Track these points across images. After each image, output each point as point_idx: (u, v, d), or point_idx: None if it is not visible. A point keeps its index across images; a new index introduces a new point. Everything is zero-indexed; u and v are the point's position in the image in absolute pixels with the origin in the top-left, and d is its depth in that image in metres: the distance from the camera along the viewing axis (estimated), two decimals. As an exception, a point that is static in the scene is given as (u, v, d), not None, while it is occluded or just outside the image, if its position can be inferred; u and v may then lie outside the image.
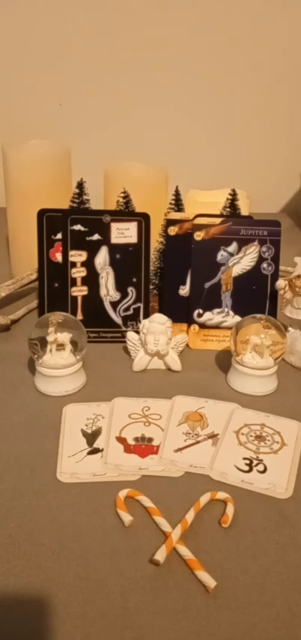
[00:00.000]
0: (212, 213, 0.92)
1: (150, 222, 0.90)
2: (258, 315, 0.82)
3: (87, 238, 0.90)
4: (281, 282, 0.87)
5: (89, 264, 0.91)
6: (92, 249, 0.91)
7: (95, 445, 0.68)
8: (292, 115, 1.55)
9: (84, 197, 0.93)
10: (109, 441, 0.69)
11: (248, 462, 0.66)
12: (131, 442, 0.69)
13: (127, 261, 0.91)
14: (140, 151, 1.24)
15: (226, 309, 0.91)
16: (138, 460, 0.66)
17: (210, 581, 0.51)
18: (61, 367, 0.77)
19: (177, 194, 0.97)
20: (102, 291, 0.91)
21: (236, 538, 0.56)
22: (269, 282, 0.91)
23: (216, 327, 0.91)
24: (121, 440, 0.69)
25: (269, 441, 0.69)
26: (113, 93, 1.49)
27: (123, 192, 0.93)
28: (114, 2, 1.43)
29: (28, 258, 1.01)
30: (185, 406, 0.76)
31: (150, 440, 0.69)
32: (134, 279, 0.91)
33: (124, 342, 0.86)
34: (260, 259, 0.91)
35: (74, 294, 0.91)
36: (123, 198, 0.93)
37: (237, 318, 0.88)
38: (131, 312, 0.92)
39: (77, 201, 0.93)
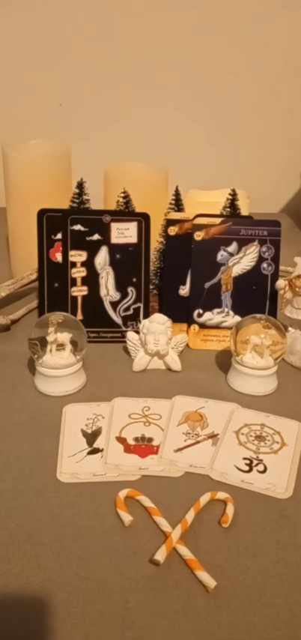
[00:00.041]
0: (212, 213, 0.92)
1: (150, 222, 0.90)
2: (258, 315, 0.82)
3: (87, 238, 0.90)
4: (281, 282, 0.87)
5: (89, 264, 0.91)
6: (92, 249, 0.91)
7: (95, 445, 0.68)
8: (292, 115, 1.55)
9: (84, 197, 0.93)
10: (109, 441, 0.69)
11: (248, 462, 0.66)
12: (131, 442, 0.69)
13: (127, 261, 0.91)
14: (140, 151, 1.24)
15: (226, 309, 0.91)
16: (138, 460, 0.66)
17: (210, 581, 0.51)
18: (61, 367, 0.77)
19: (177, 194, 0.97)
20: (102, 291, 0.91)
21: (236, 538, 0.56)
22: (269, 282, 0.91)
23: (216, 327, 0.91)
24: (121, 440, 0.69)
25: (269, 441, 0.69)
26: (113, 93, 1.49)
27: (123, 192, 0.93)
28: (114, 2, 1.43)
29: (28, 258, 1.01)
30: (185, 406, 0.76)
31: (150, 440, 0.69)
32: (134, 279, 0.91)
33: (124, 342, 0.86)
34: (260, 259, 0.91)
35: (74, 294, 0.91)
36: (123, 198, 0.93)
37: (237, 318, 0.88)
38: (131, 312, 0.92)
39: (77, 201, 0.93)
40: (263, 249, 0.90)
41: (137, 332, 0.85)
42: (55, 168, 1.04)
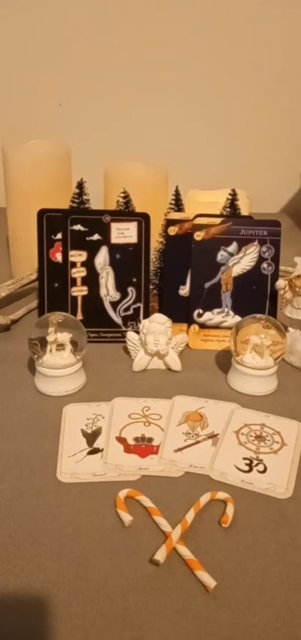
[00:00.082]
0: (212, 213, 0.92)
1: (150, 222, 0.90)
2: (258, 315, 0.82)
3: (87, 238, 0.90)
4: (281, 282, 0.87)
5: (89, 264, 0.91)
6: (92, 249, 0.91)
7: (95, 445, 0.68)
8: (292, 115, 1.55)
9: (84, 197, 0.93)
10: (109, 441, 0.69)
11: (248, 462, 0.66)
12: (131, 442, 0.69)
13: (127, 261, 0.91)
14: (140, 151, 1.24)
15: (226, 309, 0.91)
16: (138, 460, 0.66)
17: (210, 581, 0.51)
18: (61, 367, 0.77)
19: (177, 194, 0.97)
20: (102, 291, 0.91)
21: (236, 538, 0.56)
22: (269, 282, 0.91)
23: (216, 327, 0.91)
24: (121, 440, 0.69)
25: (269, 441, 0.69)
26: (113, 93, 1.49)
27: (123, 192, 0.93)
28: (114, 2, 1.43)
29: (28, 258, 1.01)
30: (185, 406, 0.76)
31: (150, 440, 0.69)
32: (134, 279, 0.91)
33: (124, 342, 0.86)
34: (260, 259, 0.91)
35: (74, 294, 0.91)
36: (123, 198, 0.93)
37: (237, 318, 0.88)
38: (131, 312, 0.92)
39: (77, 201, 0.93)
40: (263, 249, 0.90)
41: (137, 332, 0.85)
42: (55, 168, 1.04)
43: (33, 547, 0.54)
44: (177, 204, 0.97)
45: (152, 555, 0.53)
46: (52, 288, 0.91)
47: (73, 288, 0.91)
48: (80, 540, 0.55)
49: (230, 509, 0.58)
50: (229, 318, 0.91)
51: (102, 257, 0.91)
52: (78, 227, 0.90)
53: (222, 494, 0.60)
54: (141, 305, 0.91)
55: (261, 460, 0.66)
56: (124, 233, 0.90)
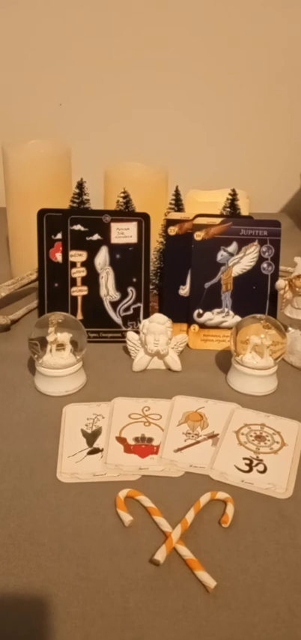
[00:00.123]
0: (212, 213, 0.92)
1: (150, 222, 0.90)
2: (258, 315, 0.82)
3: (87, 238, 0.90)
4: (281, 282, 0.87)
5: (89, 264, 0.91)
6: (92, 249, 0.91)
7: (95, 445, 0.68)
8: (292, 115, 1.55)
9: (84, 197, 0.93)
10: (109, 441, 0.69)
11: (248, 462, 0.66)
12: (131, 442, 0.69)
13: (127, 261, 0.91)
14: (140, 151, 1.24)
15: (226, 309, 0.91)
16: (138, 460, 0.66)
17: (210, 581, 0.51)
18: (61, 367, 0.77)
19: (177, 194, 0.97)
20: (102, 291, 0.91)
21: (236, 538, 0.56)
22: (269, 282, 0.91)
23: (216, 327, 0.91)
24: (121, 440, 0.69)
25: (269, 441, 0.69)
26: (113, 93, 1.49)
27: (123, 192, 0.93)
28: (114, 2, 1.43)
29: (28, 258, 1.01)
30: (185, 406, 0.76)
31: (150, 440, 0.69)
32: (134, 279, 0.91)
33: (124, 342, 0.86)
34: (260, 259, 0.91)
35: (74, 294, 0.91)
36: (123, 198, 0.93)
37: (237, 318, 0.88)
38: (131, 312, 0.92)
39: (77, 201, 0.93)
40: (263, 249, 0.90)
41: (137, 332, 0.85)
42: (55, 168, 1.04)
43: (33, 547, 0.54)
44: (177, 204, 0.97)
45: (152, 555, 0.53)
46: (52, 288, 0.91)
47: (73, 288, 0.91)
48: (80, 540, 0.55)
49: (230, 509, 0.58)
50: (229, 318, 0.91)
51: (102, 257, 0.91)
52: (78, 227, 0.90)
53: (221, 494, 0.60)
54: (141, 305, 0.91)
55: (261, 460, 0.66)
56: (124, 233, 0.90)
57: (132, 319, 0.91)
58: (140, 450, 0.68)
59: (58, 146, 1.06)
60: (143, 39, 1.46)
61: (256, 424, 0.73)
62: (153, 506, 0.59)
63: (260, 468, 0.65)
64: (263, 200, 1.44)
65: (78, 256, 0.91)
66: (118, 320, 0.91)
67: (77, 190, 0.93)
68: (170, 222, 0.92)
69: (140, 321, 0.88)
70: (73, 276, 0.91)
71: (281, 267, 0.93)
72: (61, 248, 0.90)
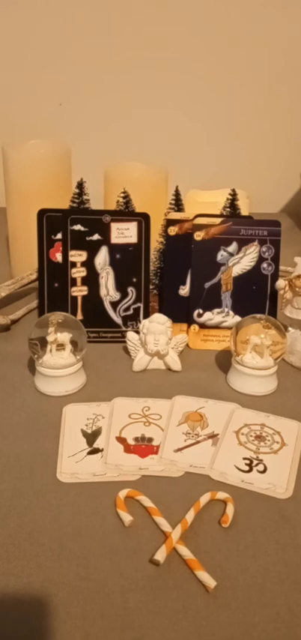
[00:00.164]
0: (212, 213, 0.92)
1: (150, 222, 0.90)
2: (258, 315, 0.82)
3: (87, 238, 0.90)
4: (281, 282, 0.87)
5: (89, 264, 0.91)
6: (92, 249, 0.91)
7: (95, 445, 0.68)
8: (292, 115, 1.55)
9: (84, 197, 0.93)
10: (109, 441, 0.69)
11: (248, 462, 0.66)
12: (131, 442, 0.69)
13: (127, 261, 0.91)
14: (140, 151, 1.24)
15: (226, 309, 0.91)
16: (138, 460, 0.66)
17: (210, 581, 0.51)
18: (61, 367, 0.77)
19: (177, 194, 0.97)
20: (102, 291, 0.91)
21: (236, 538, 0.56)
22: (269, 282, 0.91)
23: (216, 327, 0.91)
24: (121, 440, 0.69)
25: (269, 441, 0.69)
26: (113, 93, 1.49)
27: (123, 192, 0.93)
28: (114, 2, 1.43)
29: (28, 258, 1.01)
30: (185, 406, 0.76)
31: (150, 440, 0.69)
32: (134, 279, 0.91)
33: (124, 342, 0.86)
34: (260, 259, 0.91)
35: (74, 294, 0.91)
36: (123, 198, 0.93)
37: (237, 318, 0.88)
38: (131, 312, 0.92)
39: (77, 201, 0.93)
40: (263, 249, 0.90)
41: (137, 332, 0.85)
42: (55, 168, 1.04)
43: (33, 547, 0.54)
44: (177, 204, 0.97)
45: (152, 555, 0.53)
46: (52, 288, 0.91)
47: (73, 288, 0.91)
48: (80, 540, 0.55)
49: (230, 509, 0.58)
50: (229, 318, 0.91)
51: (102, 257, 0.91)
52: (78, 227, 0.90)
53: (221, 494, 0.60)
54: (141, 305, 0.91)
55: (261, 460, 0.66)
56: (124, 233, 0.90)
57: (132, 319, 0.91)
58: (140, 450, 0.68)
59: (58, 146, 1.06)
60: (143, 39, 1.46)
61: (256, 424, 0.73)
62: (153, 506, 0.59)
63: (260, 468, 0.65)
64: (263, 200, 1.44)
65: (78, 256, 0.91)
66: (118, 320, 0.91)
67: (77, 190, 0.93)
68: (170, 222, 0.92)
69: (140, 321, 0.88)
70: (73, 276, 0.91)
71: (281, 267, 0.93)
72: (61, 248, 0.90)
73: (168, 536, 0.55)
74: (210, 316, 0.91)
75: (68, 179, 1.06)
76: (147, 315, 0.89)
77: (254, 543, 0.56)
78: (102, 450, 0.67)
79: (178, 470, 0.64)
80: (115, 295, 0.91)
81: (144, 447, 0.68)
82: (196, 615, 0.49)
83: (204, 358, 0.88)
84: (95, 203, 0.95)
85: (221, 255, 0.91)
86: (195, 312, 0.91)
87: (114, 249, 0.91)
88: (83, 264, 0.91)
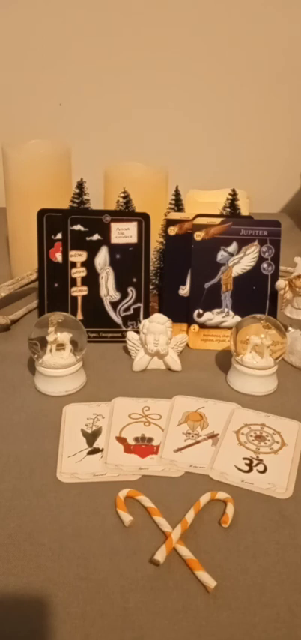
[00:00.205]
0: (212, 213, 0.92)
1: (150, 222, 0.90)
2: (258, 315, 0.82)
3: (87, 238, 0.90)
4: (281, 282, 0.87)
5: (89, 264, 0.91)
6: (92, 249, 0.91)
7: (95, 445, 0.68)
8: (292, 115, 1.55)
9: (84, 197, 0.93)
10: (109, 441, 0.69)
11: (248, 462, 0.66)
12: (131, 442, 0.69)
13: (127, 261, 0.91)
14: (140, 151, 1.24)
15: (226, 309, 0.91)
16: (138, 460, 0.66)
17: (210, 581, 0.51)
18: (61, 367, 0.77)
19: (177, 194, 0.97)
20: (102, 291, 0.91)
21: (236, 538, 0.56)
22: (269, 282, 0.91)
23: (216, 327, 0.91)
24: (121, 440, 0.69)
25: (269, 441, 0.69)
26: (113, 93, 1.49)
27: (123, 192, 0.93)
28: (114, 2, 1.43)
29: (28, 258, 1.01)
30: (185, 406, 0.76)
31: (150, 440, 0.69)
32: (134, 279, 0.91)
33: (124, 342, 0.86)
34: (260, 259, 0.91)
35: (74, 294, 0.91)
36: (123, 198, 0.93)
37: (237, 318, 0.88)
38: (131, 312, 0.92)
39: (77, 201, 0.93)
40: (263, 249, 0.90)
41: (137, 332, 0.85)
42: (55, 168, 1.04)
43: (33, 547, 0.54)
44: (177, 204, 0.97)
45: (152, 555, 0.53)
46: (52, 288, 0.91)
47: (73, 288, 0.91)
48: (80, 540, 0.55)
49: (230, 509, 0.58)
50: (229, 318, 0.91)
51: (102, 257, 0.91)
52: (78, 227, 0.90)
53: (221, 494, 0.60)
54: (141, 305, 0.91)
55: (261, 460, 0.66)
56: (124, 233, 0.90)
57: (132, 319, 0.91)
58: (140, 450, 0.68)
59: (58, 146, 1.06)
60: (143, 39, 1.46)
61: (256, 424, 0.73)
62: (153, 506, 0.59)
63: (260, 468, 0.65)
64: (263, 200, 1.44)
65: (78, 256, 0.91)
66: (118, 320, 0.91)
67: (77, 190, 0.93)
68: (170, 222, 0.92)
69: (140, 321, 0.88)
70: (73, 276, 0.91)
71: (281, 267, 0.93)
72: (61, 248, 0.90)
73: (168, 536, 0.55)
74: (210, 316, 0.91)
75: (68, 179, 1.06)
76: (147, 315, 0.89)
77: (254, 543, 0.56)
78: (102, 450, 0.67)
79: (178, 470, 0.64)
80: (115, 295, 0.91)
81: (144, 447, 0.68)
82: (196, 615, 0.49)
83: (204, 358, 0.88)
84: (95, 203, 0.95)
85: (221, 255, 0.91)
86: (195, 312, 0.91)
87: (114, 249, 0.91)
88: (83, 264, 0.91)
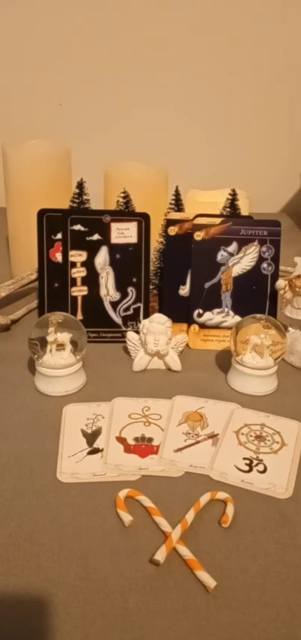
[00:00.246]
0: (212, 213, 0.92)
1: (150, 222, 0.90)
2: (258, 315, 0.82)
3: (87, 238, 0.90)
4: (281, 282, 0.87)
5: (89, 264, 0.91)
6: (92, 249, 0.91)
7: (95, 445, 0.68)
8: (292, 115, 1.55)
9: (84, 197, 0.93)
10: (109, 441, 0.69)
11: (248, 462, 0.66)
12: (131, 442, 0.69)
13: (127, 261, 0.91)
14: (140, 151, 1.24)
15: (226, 309, 0.91)
16: (138, 460, 0.66)
17: (210, 581, 0.51)
18: (61, 367, 0.77)
19: (177, 194, 0.97)
20: (102, 291, 0.91)
21: (236, 538, 0.56)
22: (269, 282, 0.91)
23: (216, 327, 0.91)
24: (121, 440, 0.69)
25: (269, 441, 0.69)
26: (113, 93, 1.49)
27: (123, 192, 0.93)
28: (114, 2, 1.43)
29: (28, 258, 1.01)
30: (185, 406, 0.76)
31: (150, 440, 0.69)
32: (134, 279, 0.91)
33: (124, 342, 0.86)
34: (260, 259, 0.91)
35: (74, 294, 0.91)
36: (123, 198, 0.93)
37: (237, 318, 0.88)
38: (131, 312, 0.92)
39: (77, 201, 0.93)
40: (263, 249, 0.90)
41: (137, 332, 0.85)
42: (55, 168, 1.04)
43: (33, 547, 0.54)
44: (177, 204, 0.97)
45: (152, 555, 0.53)
46: (52, 288, 0.91)
47: (73, 288, 0.91)
48: (80, 540, 0.55)
49: (230, 509, 0.58)
50: (229, 318, 0.91)
51: (102, 257, 0.91)
52: (78, 227, 0.90)
53: (222, 494, 0.60)
54: (141, 305, 0.91)
55: (261, 460, 0.66)
56: (124, 233, 0.90)
57: (132, 319, 0.91)
58: (140, 450, 0.68)
59: (58, 146, 1.06)
60: (143, 39, 1.46)
61: (256, 424, 0.73)
62: (153, 506, 0.59)
63: (260, 468, 0.65)
64: (263, 200, 1.44)
65: (78, 256, 0.91)
66: (118, 320, 0.91)
67: (77, 190, 0.93)
68: (170, 222, 0.92)
69: (140, 321, 0.88)
70: (73, 276, 0.91)
71: (281, 267, 0.93)
72: (61, 248, 0.90)
73: (168, 536, 0.55)
74: (210, 316, 0.91)
75: (68, 179, 1.06)
76: (147, 315, 0.89)
77: (254, 543, 0.56)
78: (102, 450, 0.67)
79: (178, 470, 0.64)
80: (115, 295, 0.91)
81: (144, 447, 0.68)
82: (196, 615, 0.49)
83: (204, 358, 0.88)
84: (95, 203, 0.95)
85: (221, 255, 0.91)
86: (195, 312, 0.91)
87: (114, 249, 0.91)
88: (83, 264, 0.91)
